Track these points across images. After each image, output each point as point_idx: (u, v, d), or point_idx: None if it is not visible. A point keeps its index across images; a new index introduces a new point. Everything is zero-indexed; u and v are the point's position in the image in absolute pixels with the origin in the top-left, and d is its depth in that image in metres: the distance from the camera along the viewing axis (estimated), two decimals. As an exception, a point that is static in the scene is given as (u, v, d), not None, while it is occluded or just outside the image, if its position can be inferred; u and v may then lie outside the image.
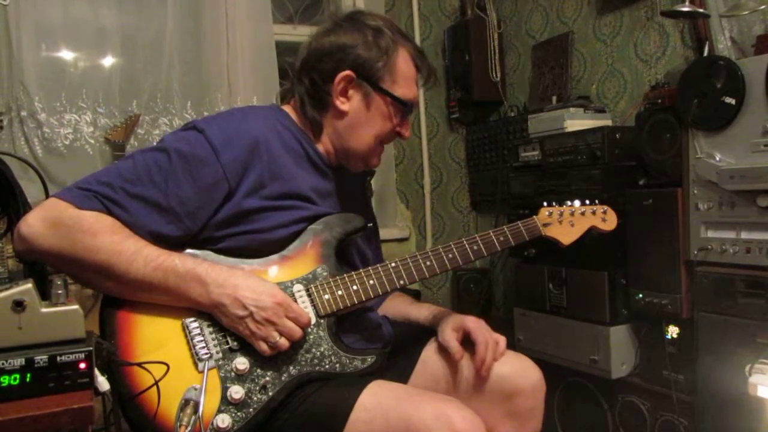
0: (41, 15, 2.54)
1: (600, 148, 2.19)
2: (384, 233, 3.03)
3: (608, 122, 2.47)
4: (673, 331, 2.02)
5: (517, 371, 1.43)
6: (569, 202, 1.51)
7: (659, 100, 2.06)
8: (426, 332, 1.54)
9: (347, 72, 1.37)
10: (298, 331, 1.23)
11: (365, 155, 1.45)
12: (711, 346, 1.84)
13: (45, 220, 1.17)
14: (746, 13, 1.95)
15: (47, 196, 1.25)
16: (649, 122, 2.06)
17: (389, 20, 1.47)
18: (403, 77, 1.41)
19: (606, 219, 1.52)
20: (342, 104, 1.40)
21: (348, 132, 1.41)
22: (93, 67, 2.65)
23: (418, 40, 3.32)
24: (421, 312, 1.57)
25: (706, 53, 2.07)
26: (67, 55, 2.62)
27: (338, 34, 1.41)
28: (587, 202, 1.52)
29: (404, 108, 1.42)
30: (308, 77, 1.42)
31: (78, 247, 1.17)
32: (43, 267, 1.26)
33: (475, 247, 1.40)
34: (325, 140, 1.44)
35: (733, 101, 1.75)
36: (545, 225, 1.48)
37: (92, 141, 2.61)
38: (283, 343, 1.21)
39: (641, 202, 2.06)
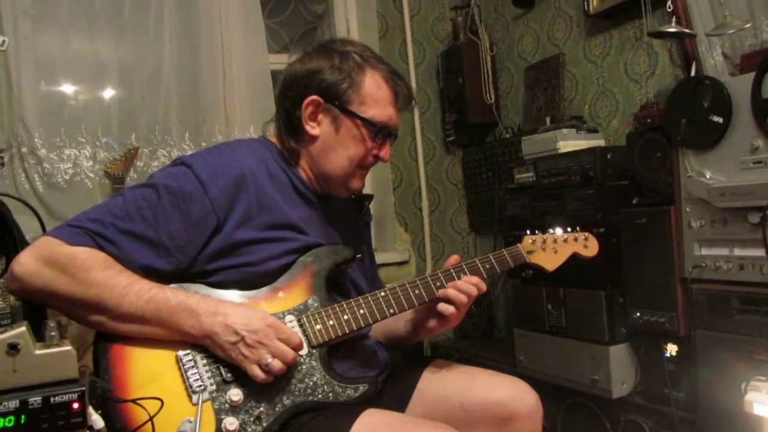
0: (41, 51, 2.59)
1: (592, 169, 2.21)
2: (384, 257, 3.06)
3: (601, 142, 2.49)
4: (672, 349, 2.03)
5: (513, 396, 1.42)
6: (551, 230, 1.53)
7: (649, 120, 2.09)
8: (423, 359, 1.54)
9: (313, 96, 1.39)
10: (290, 353, 1.23)
11: (343, 179, 1.44)
12: (709, 363, 1.84)
13: (38, 258, 1.19)
14: (732, 31, 1.98)
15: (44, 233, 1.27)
16: (639, 142, 2.08)
17: (362, 45, 1.47)
18: (374, 99, 1.40)
19: (588, 245, 1.54)
20: (312, 129, 1.41)
21: (321, 156, 1.42)
22: (92, 101, 2.69)
23: (411, 64, 3.36)
24: (399, 324, 1.56)
25: (693, 72, 2.10)
26: (66, 89, 2.66)
27: (305, 62, 1.43)
28: (569, 229, 1.54)
29: (376, 129, 1.41)
30: (282, 106, 1.44)
31: (71, 282, 1.19)
32: (42, 304, 1.28)
33: (462, 275, 1.41)
34: (304, 167, 1.45)
35: (720, 120, 1.77)
36: (529, 252, 1.50)
37: (92, 175, 2.64)
38: (276, 364, 1.21)
39: (635, 221, 2.07)
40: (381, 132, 1.42)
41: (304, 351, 1.29)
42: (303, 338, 1.30)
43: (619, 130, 2.54)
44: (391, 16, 3.36)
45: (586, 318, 2.23)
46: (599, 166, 2.20)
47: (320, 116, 1.41)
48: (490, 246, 3.33)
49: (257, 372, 1.21)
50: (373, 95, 1.40)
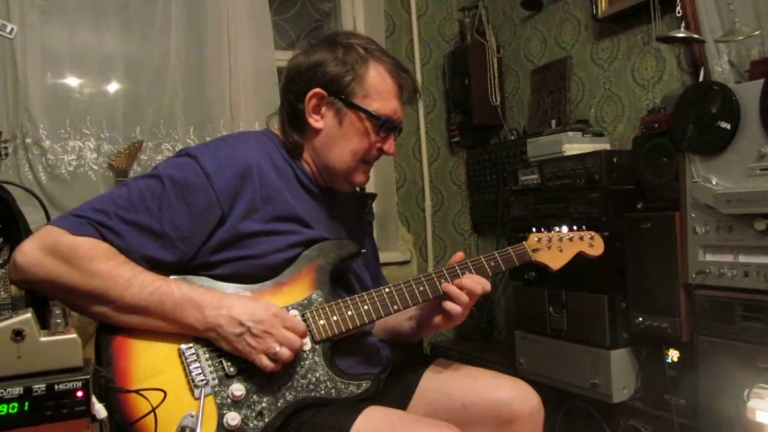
0: (47, 43, 2.58)
1: (598, 172, 2.20)
2: (385, 256, 3.05)
3: (606, 146, 2.49)
4: (673, 355, 2.02)
5: (514, 397, 1.42)
6: (557, 228, 1.52)
7: (655, 125, 2.08)
8: (425, 358, 1.54)
9: (317, 89, 1.38)
10: (297, 340, 1.22)
11: (346, 173, 1.43)
12: (711, 370, 1.83)
13: (41, 248, 1.19)
14: (741, 38, 1.97)
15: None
16: (645, 146, 2.08)
17: (367, 38, 1.46)
18: (378, 92, 1.39)
19: (593, 244, 1.53)
20: (316, 122, 1.40)
21: (325, 149, 1.41)
22: (97, 94, 2.69)
23: (418, 65, 3.36)
24: (402, 320, 1.55)
25: (701, 78, 2.10)
26: (71, 82, 2.66)
27: (309, 54, 1.42)
28: (575, 227, 1.53)
29: (380, 123, 1.40)
30: (286, 99, 1.44)
31: (74, 273, 1.18)
32: (44, 294, 1.28)
33: (467, 273, 1.40)
34: (308, 160, 1.45)
35: (728, 126, 1.76)
36: (534, 250, 1.49)
37: (96, 167, 2.64)
38: (284, 352, 1.20)
39: (640, 226, 2.06)
40: (385, 125, 1.41)
41: (308, 346, 1.28)
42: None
43: (625, 134, 2.54)
44: (399, 16, 3.36)
45: (587, 321, 2.22)
46: (604, 170, 2.19)
47: (323, 109, 1.40)
48: (492, 248, 3.32)
49: (265, 362, 1.20)
50: (377, 88, 1.39)
